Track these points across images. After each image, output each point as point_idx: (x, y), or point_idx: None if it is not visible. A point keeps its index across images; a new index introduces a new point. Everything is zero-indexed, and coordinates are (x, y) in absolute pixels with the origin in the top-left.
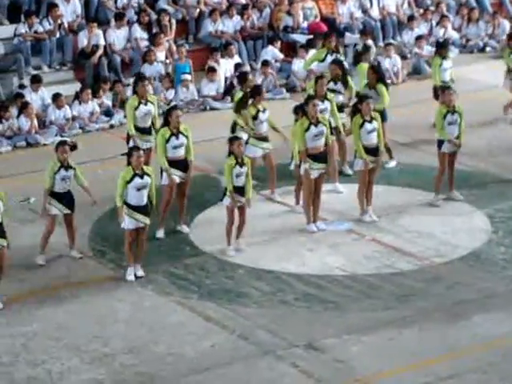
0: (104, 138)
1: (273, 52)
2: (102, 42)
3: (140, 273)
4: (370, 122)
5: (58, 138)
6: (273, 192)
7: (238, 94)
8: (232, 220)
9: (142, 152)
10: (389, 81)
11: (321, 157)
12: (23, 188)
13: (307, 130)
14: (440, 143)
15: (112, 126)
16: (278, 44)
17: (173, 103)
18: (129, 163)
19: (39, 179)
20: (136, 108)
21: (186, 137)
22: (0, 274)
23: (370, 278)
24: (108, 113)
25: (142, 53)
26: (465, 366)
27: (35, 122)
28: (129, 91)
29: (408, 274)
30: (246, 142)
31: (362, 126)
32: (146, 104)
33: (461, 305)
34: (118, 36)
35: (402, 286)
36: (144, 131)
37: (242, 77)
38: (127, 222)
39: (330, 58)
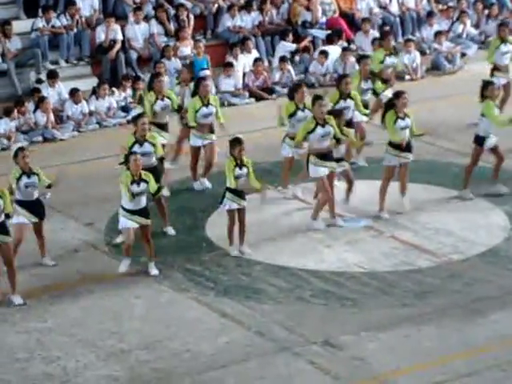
0: (121, 133)
1: (284, 47)
2: (119, 37)
3: (154, 271)
4: (403, 118)
5: (19, 144)
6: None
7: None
8: (233, 220)
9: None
10: (408, 77)
11: (329, 156)
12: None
13: (313, 130)
14: (481, 139)
15: (129, 122)
16: (290, 37)
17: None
18: (128, 168)
19: (55, 174)
20: (153, 103)
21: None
22: (11, 270)
23: (387, 275)
24: (125, 108)
25: (160, 48)
26: (482, 364)
27: (52, 116)
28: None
29: (426, 271)
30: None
31: (395, 122)
32: (162, 99)
33: (479, 302)
34: (135, 31)
35: (419, 283)
36: (160, 127)
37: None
38: (123, 222)
39: (389, 60)
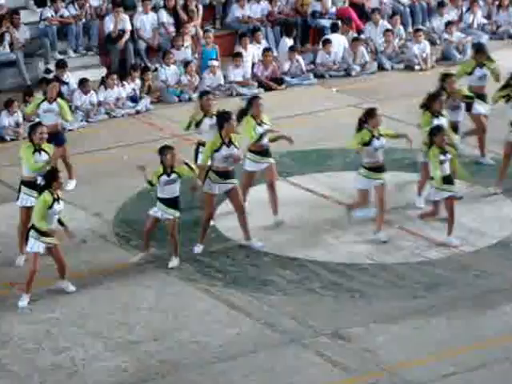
0: (130, 123)
1: (285, 44)
2: (128, 27)
3: (172, 263)
4: (444, 154)
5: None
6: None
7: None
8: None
9: (174, 150)
10: (417, 67)
11: (381, 168)
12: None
13: (369, 143)
14: None
15: (138, 112)
16: (294, 33)
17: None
18: (161, 161)
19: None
20: (200, 122)
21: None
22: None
23: (397, 267)
24: (134, 98)
25: (170, 38)
26: (493, 356)
27: None
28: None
29: (436, 262)
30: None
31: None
32: (211, 117)
33: (489, 294)
34: (144, 21)
35: (429, 275)
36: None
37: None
38: (153, 210)
39: (479, 72)
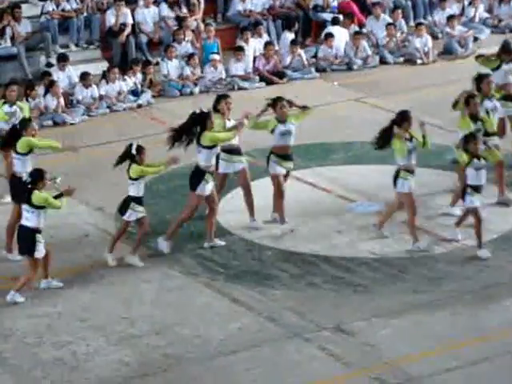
0: (131, 117)
1: (286, 38)
2: (129, 21)
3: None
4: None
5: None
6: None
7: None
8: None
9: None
10: (419, 61)
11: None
12: (50, 167)
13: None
14: None
15: (139, 106)
16: (296, 27)
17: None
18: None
19: (66, 158)
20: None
21: None
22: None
23: (400, 261)
24: (135, 92)
25: (171, 32)
26: (495, 350)
27: (62, 100)
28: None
29: (438, 256)
30: None
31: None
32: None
33: (492, 288)
34: (145, 15)
35: (432, 269)
36: (232, 152)
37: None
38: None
39: (506, 67)
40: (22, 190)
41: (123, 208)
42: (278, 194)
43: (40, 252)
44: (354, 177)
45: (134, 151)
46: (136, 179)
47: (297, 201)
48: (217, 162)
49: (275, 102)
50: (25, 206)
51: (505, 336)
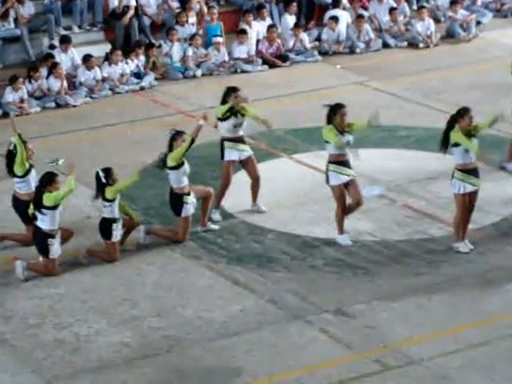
0: (134, 99)
1: (286, 21)
2: (133, 3)
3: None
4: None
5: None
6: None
7: None
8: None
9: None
10: (422, 44)
11: (475, 172)
12: (52, 149)
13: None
14: None
15: (142, 88)
16: (294, 8)
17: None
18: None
19: (68, 140)
20: (227, 118)
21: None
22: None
23: (400, 244)
24: (138, 75)
25: (174, 14)
26: (496, 333)
27: (65, 82)
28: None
29: (439, 240)
30: None
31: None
32: (236, 116)
33: (492, 271)
34: None
35: (432, 252)
36: (237, 141)
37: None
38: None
39: None
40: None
41: (104, 232)
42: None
43: (55, 252)
44: (355, 160)
45: (104, 180)
46: (112, 200)
47: (299, 184)
48: (222, 151)
49: (335, 109)
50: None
51: (505, 319)
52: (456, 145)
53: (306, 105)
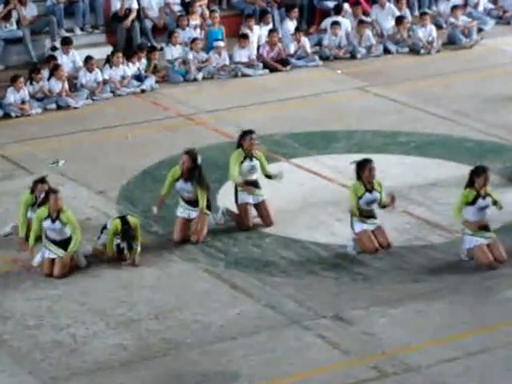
0: (135, 102)
1: (287, 26)
2: (135, 6)
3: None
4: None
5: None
6: None
7: None
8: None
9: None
10: (423, 50)
11: (486, 228)
12: (53, 151)
13: (474, 202)
14: None
15: (143, 91)
16: (296, 13)
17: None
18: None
19: (69, 142)
20: (241, 162)
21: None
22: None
23: (399, 250)
24: (139, 77)
25: (176, 17)
26: (495, 341)
27: (66, 84)
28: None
29: (439, 246)
30: None
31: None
32: (251, 159)
33: (491, 279)
34: (151, 0)
35: (432, 259)
36: (251, 184)
37: None
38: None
39: None
40: None
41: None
42: None
43: (35, 261)
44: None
45: None
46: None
47: (298, 188)
48: (235, 194)
49: (363, 166)
50: None
51: (504, 327)
52: (468, 203)
53: (306, 109)
